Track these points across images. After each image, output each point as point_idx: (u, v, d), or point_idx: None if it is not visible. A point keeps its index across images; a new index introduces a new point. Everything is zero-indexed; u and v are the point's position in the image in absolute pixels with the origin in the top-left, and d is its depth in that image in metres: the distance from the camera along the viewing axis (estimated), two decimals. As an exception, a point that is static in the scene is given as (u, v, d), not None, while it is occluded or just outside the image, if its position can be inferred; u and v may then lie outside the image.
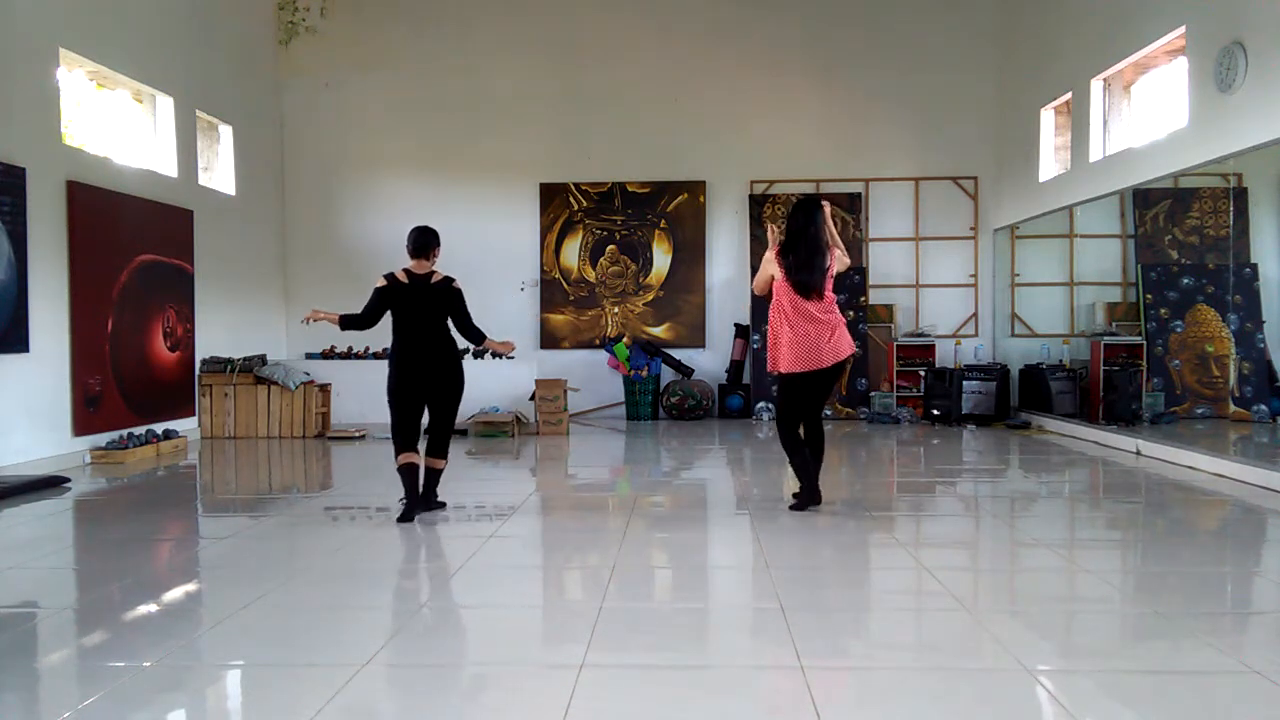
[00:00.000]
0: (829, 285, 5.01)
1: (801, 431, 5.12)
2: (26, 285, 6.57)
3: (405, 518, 4.83)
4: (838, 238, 5.15)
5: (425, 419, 5.11)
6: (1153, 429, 7.72)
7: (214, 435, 8.87)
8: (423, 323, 4.94)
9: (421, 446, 5.07)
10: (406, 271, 4.98)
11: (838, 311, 5.03)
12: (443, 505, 5.16)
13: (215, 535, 4.84)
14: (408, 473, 4.89)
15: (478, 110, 10.64)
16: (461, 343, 5.10)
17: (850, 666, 2.85)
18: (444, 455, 5.10)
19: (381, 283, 4.98)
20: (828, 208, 5.09)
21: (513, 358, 5.29)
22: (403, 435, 4.97)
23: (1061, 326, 9.49)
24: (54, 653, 3.05)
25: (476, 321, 5.10)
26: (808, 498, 5.01)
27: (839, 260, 5.08)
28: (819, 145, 10.57)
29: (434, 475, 5.08)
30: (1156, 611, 3.32)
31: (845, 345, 4.97)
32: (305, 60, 10.70)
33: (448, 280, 4.99)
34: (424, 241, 5.00)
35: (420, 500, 4.99)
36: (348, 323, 5.01)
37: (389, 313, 5.02)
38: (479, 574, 4.00)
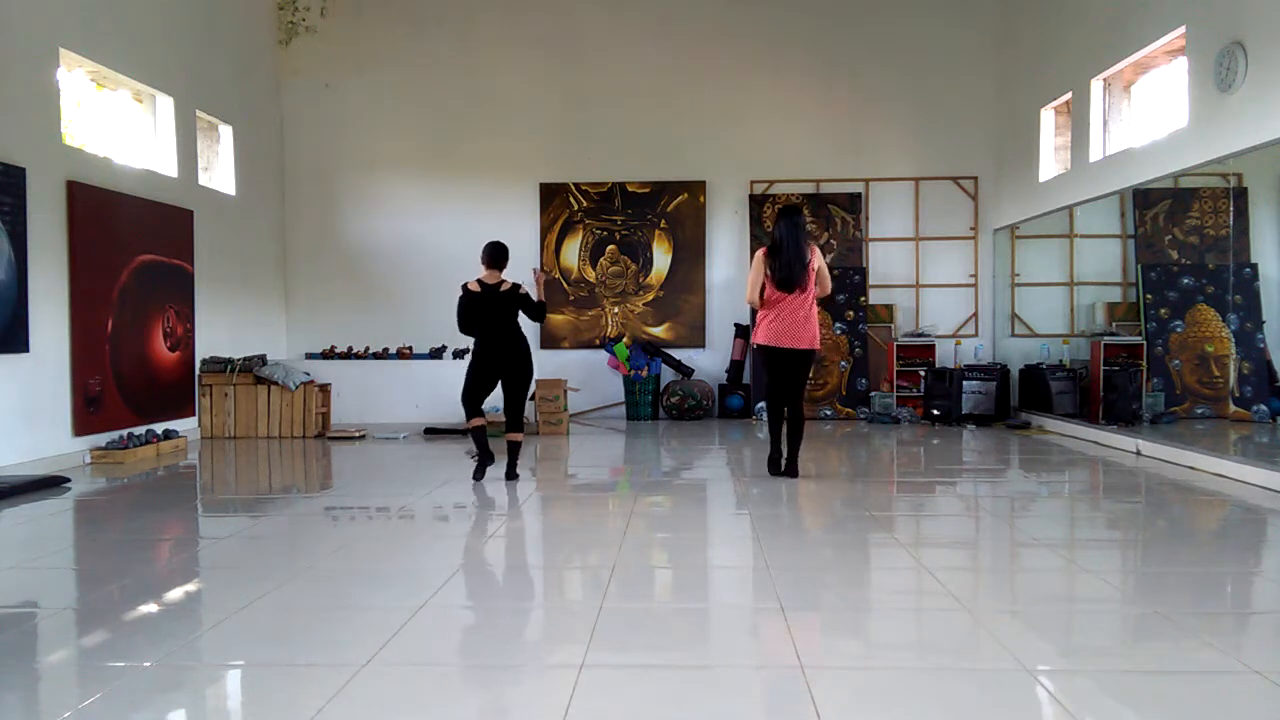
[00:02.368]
0: (811, 281, 5.83)
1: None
2: (26, 285, 6.57)
3: (479, 475, 6.04)
4: (827, 276, 5.99)
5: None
6: (1153, 429, 7.72)
7: (214, 435, 8.87)
8: (495, 322, 5.98)
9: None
10: (479, 281, 6.03)
11: (812, 308, 5.88)
12: (517, 477, 6.12)
13: (215, 535, 4.84)
14: (478, 432, 6.03)
15: (478, 110, 10.64)
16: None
17: (850, 666, 2.85)
18: (520, 429, 6.15)
19: (461, 293, 6.03)
20: (816, 257, 5.90)
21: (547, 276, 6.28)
22: (471, 403, 6.03)
23: (1061, 326, 9.49)
24: (54, 653, 3.05)
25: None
26: (775, 465, 6.10)
27: (823, 281, 5.96)
28: (819, 145, 10.58)
29: (514, 448, 6.12)
30: (1156, 611, 3.31)
31: (810, 338, 5.84)
32: (305, 60, 10.70)
33: (515, 286, 6.05)
34: (498, 253, 6.06)
35: (506, 472, 6.10)
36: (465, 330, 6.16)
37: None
38: (479, 574, 4.00)
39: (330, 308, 10.72)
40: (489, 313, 5.99)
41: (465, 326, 6.05)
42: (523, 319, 6.15)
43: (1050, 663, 2.84)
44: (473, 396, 6.06)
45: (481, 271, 6.10)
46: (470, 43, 10.63)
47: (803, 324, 5.82)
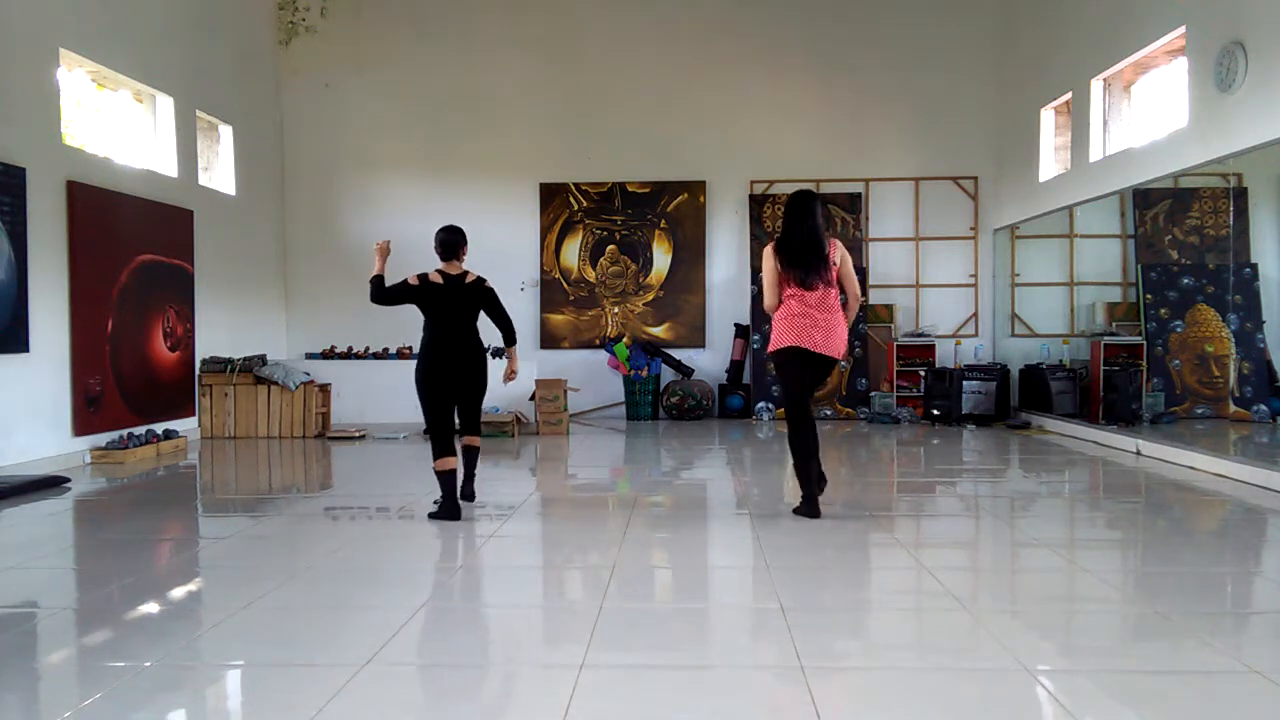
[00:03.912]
0: (834, 275, 4.89)
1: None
2: (26, 285, 6.57)
3: (438, 515, 4.89)
4: (855, 283, 5.02)
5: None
6: (1153, 429, 7.71)
7: (214, 435, 8.87)
8: (455, 321, 5.06)
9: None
10: (440, 272, 5.08)
11: (839, 308, 4.91)
12: (472, 497, 5.25)
13: (215, 535, 4.84)
14: (447, 478, 4.91)
15: (478, 110, 10.64)
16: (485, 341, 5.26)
17: (850, 666, 2.85)
18: (478, 432, 5.32)
19: (414, 281, 5.05)
20: (837, 249, 4.95)
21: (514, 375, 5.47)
22: (440, 439, 4.98)
23: (1061, 326, 9.49)
24: (54, 653, 3.05)
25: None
26: (808, 508, 4.83)
27: (853, 296, 5.00)
28: (819, 145, 10.57)
29: (472, 454, 5.27)
30: (1156, 611, 3.31)
31: (836, 344, 4.85)
32: (305, 60, 10.70)
33: (480, 280, 5.14)
34: (453, 242, 5.11)
35: (463, 484, 5.15)
36: (374, 282, 5.09)
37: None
38: (479, 574, 4.00)
39: (330, 308, 10.71)
40: (450, 309, 5.03)
41: (385, 300, 5.05)
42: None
43: (1050, 663, 2.84)
44: (440, 429, 5.00)
45: (439, 263, 5.14)
46: (470, 42, 10.63)
47: (830, 325, 4.86)
